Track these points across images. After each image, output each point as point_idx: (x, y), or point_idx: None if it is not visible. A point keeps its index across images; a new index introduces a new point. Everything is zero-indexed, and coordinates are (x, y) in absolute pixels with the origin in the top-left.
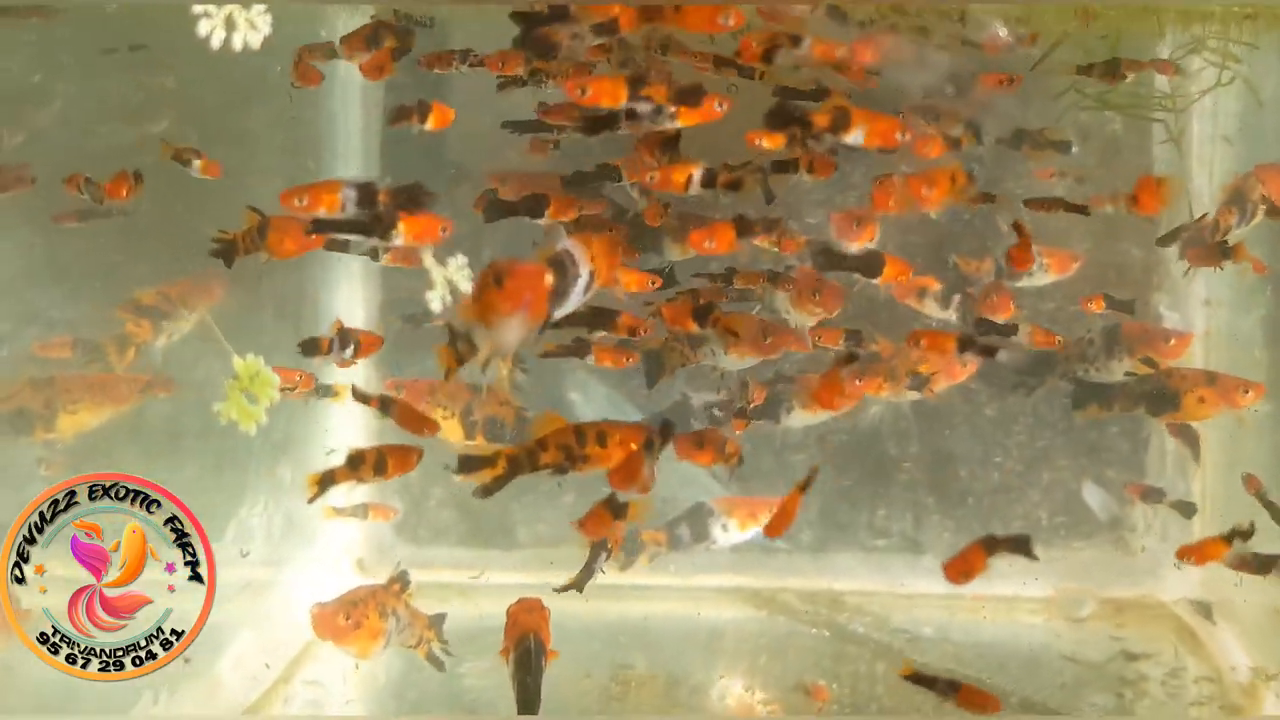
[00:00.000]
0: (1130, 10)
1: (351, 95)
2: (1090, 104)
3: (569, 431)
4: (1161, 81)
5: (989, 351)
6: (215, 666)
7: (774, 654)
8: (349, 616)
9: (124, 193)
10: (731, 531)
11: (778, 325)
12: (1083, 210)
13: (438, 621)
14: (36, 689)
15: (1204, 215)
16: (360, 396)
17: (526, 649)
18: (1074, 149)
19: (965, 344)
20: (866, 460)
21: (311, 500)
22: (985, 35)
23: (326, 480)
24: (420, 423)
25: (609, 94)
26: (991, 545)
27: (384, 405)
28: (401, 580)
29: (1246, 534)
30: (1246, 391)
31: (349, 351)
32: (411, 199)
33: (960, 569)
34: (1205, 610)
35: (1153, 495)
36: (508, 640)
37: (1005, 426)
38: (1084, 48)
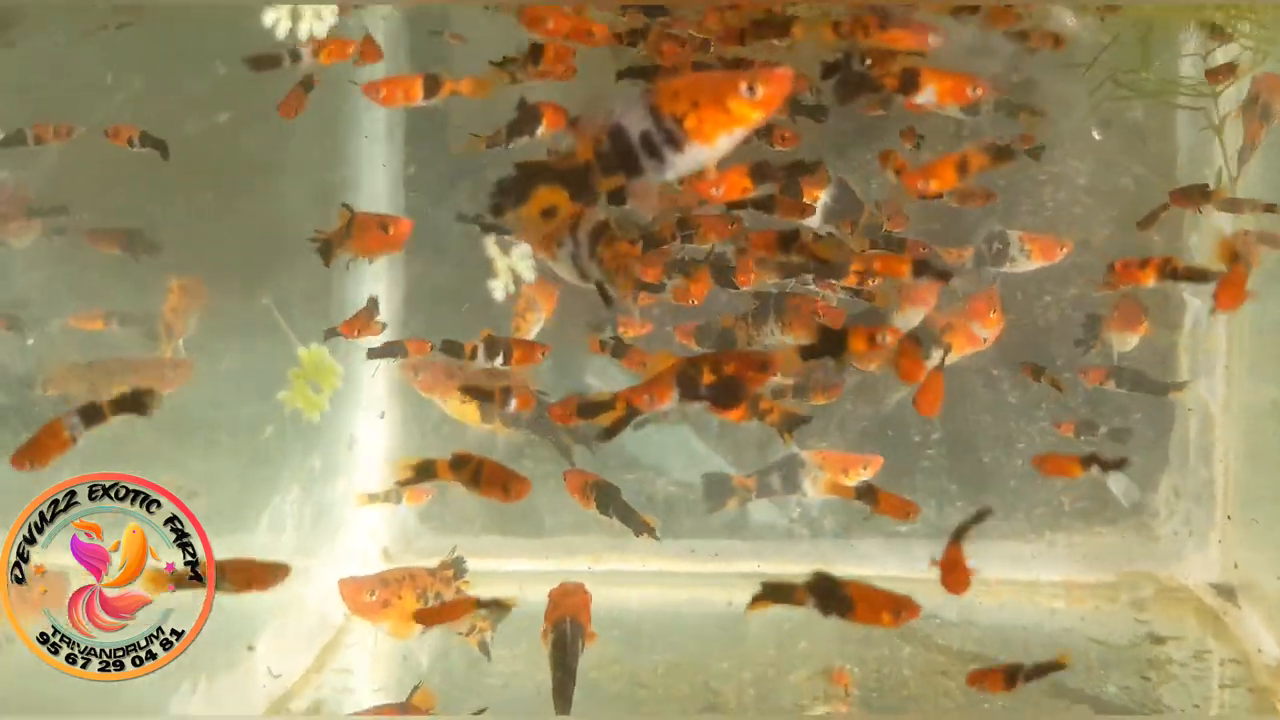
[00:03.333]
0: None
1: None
2: (1126, 94)
3: (684, 366)
4: (1189, 68)
5: (944, 275)
6: (249, 656)
7: (799, 639)
8: (374, 593)
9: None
10: (821, 484)
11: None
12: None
13: (496, 611)
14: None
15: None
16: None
17: (562, 632)
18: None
19: (920, 268)
20: (889, 446)
21: (402, 483)
22: (1054, 24)
23: (424, 471)
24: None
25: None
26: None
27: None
28: (456, 567)
29: (1106, 463)
30: None
31: (499, 360)
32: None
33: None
34: (1229, 594)
35: (1086, 429)
36: (547, 623)
37: (1028, 412)
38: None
